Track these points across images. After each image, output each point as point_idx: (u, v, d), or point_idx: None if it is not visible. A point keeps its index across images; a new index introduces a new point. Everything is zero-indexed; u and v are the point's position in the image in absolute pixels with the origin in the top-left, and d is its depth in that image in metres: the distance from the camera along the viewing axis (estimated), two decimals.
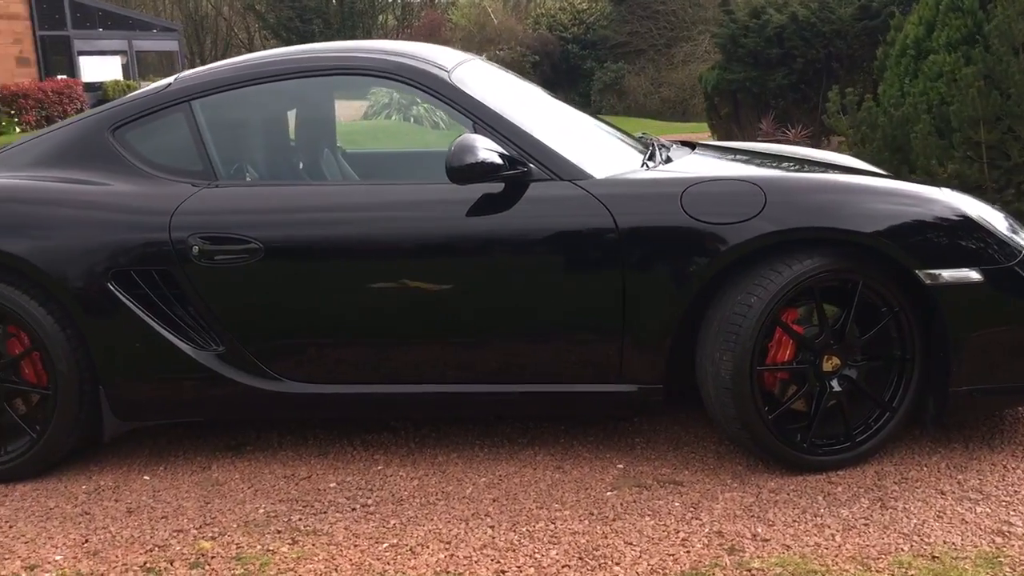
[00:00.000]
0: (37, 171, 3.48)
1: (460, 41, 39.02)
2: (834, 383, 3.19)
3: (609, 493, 3.12)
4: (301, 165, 3.60)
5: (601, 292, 3.17)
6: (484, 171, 3.08)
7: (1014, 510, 2.89)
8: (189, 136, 3.42)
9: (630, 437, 3.56)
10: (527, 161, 3.22)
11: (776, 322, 3.11)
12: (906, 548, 2.70)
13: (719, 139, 12.12)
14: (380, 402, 3.34)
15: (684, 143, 4.19)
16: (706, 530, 2.84)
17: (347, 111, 25.49)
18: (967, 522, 2.83)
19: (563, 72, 39.91)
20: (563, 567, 2.65)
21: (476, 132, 3.26)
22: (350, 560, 2.72)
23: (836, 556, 2.67)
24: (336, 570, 2.67)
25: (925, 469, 3.20)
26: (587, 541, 2.79)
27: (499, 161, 3.11)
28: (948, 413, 3.23)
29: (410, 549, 2.78)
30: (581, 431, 3.61)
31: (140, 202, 3.30)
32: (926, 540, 2.74)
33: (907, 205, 3.15)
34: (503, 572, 2.63)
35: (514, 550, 2.75)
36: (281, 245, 3.22)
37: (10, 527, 3.03)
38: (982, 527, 2.80)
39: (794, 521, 2.88)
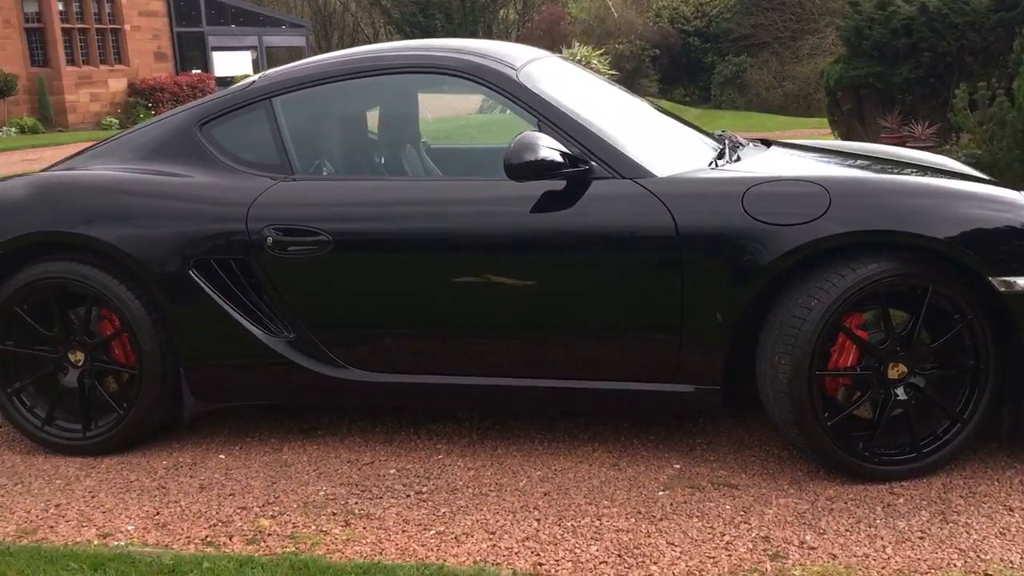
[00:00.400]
0: (132, 163, 3.68)
1: (579, 35, 39.01)
2: (899, 391, 3.11)
3: (661, 493, 3.12)
4: (378, 160, 3.70)
5: (659, 291, 3.16)
6: (542, 169, 3.11)
7: None
8: (269, 132, 3.57)
9: (691, 438, 3.55)
10: (589, 159, 3.24)
11: (838, 327, 3.05)
12: (959, 564, 2.62)
13: (840, 137, 11.78)
14: (440, 393, 3.42)
15: (762, 141, 4.12)
16: (753, 535, 2.82)
17: (464, 105, 25.81)
18: None
19: (683, 66, 39.42)
20: (601, 563, 2.67)
21: (541, 130, 3.30)
22: (396, 544, 2.81)
23: (883, 568, 2.61)
24: (381, 553, 2.76)
25: (996, 484, 3.09)
26: (630, 539, 2.80)
27: (558, 159, 3.13)
28: (1023, 427, 3.11)
29: (455, 537, 2.85)
30: (642, 430, 3.61)
31: (220, 194, 3.46)
32: (982, 556, 2.65)
33: (981, 209, 3.04)
34: (540, 564, 2.67)
35: (555, 544, 2.79)
36: (348, 238, 3.33)
37: (92, 497, 3.23)
38: None
39: (847, 530, 2.83)
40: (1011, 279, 2.97)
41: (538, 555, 2.73)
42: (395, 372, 3.42)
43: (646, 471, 3.29)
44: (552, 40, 36.66)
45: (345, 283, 3.37)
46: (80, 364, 3.58)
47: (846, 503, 3.00)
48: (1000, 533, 2.78)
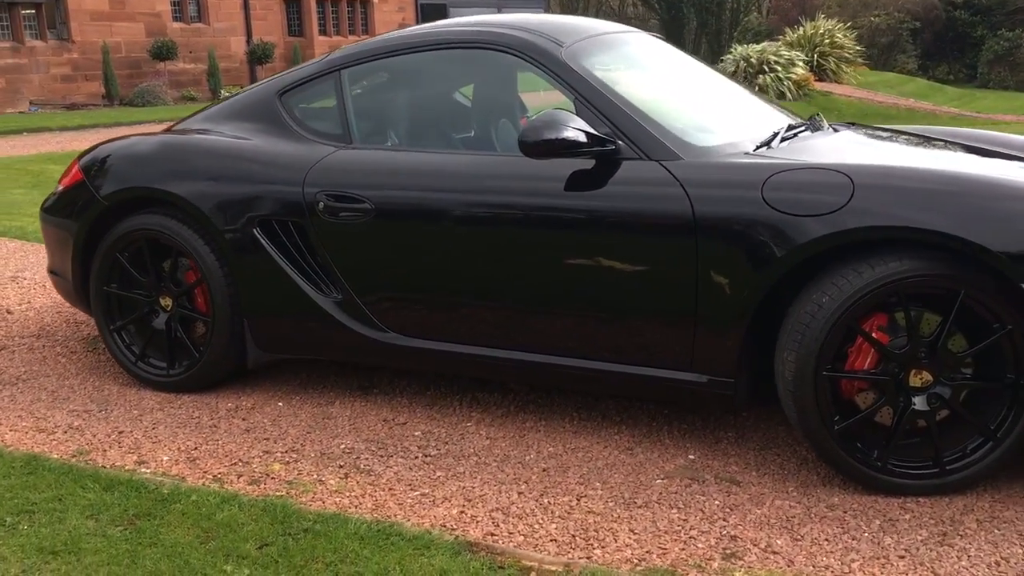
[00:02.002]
0: (225, 126, 4.00)
1: (832, 6, 37.13)
2: (919, 400, 2.90)
3: (658, 481, 3.09)
4: (428, 133, 3.81)
5: (676, 277, 3.10)
6: (561, 147, 3.11)
7: None
8: (336, 102, 3.78)
9: (721, 430, 3.46)
10: (616, 139, 3.21)
11: (851, 326, 2.88)
12: None
13: None
14: (469, 362, 3.52)
15: (850, 124, 3.89)
16: (722, 532, 2.74)
17: None
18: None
19: (947, 41, 36.75)
20: (550, 540, 2.70)
21: (576, 108, 3.31)
22: (375, 500, 2.96)
23: None
24: (357, 507, 2.91)
25: (1014, 509, 2.82)
26: (594, 521, 2.81)
27: (580, 138, 3.13)
28: None
29: (433, 500, 2.96)
30: (676, 417, 3.56)
31: (285, 160, 3.71)
32: None
33: (1013, 205, 2.76)
34: (492, 535, 2.73)
35: (520, 517, 2.83)
36: (387, 207, 3.49)
37: (152, 428, 3.59)
38: None
39: (825, 540, 2.69)
40: None
41: (497, 526, 2.79)
42: (428, 339, 3.55)
43: (657, 458, 3.25)
44: (802, 11, 35.19)
45: (384, 250, 3.54)
46: (168, 309, 3.96)
47: (844, 512, 2.85)
48: (995, 563, 2.56)
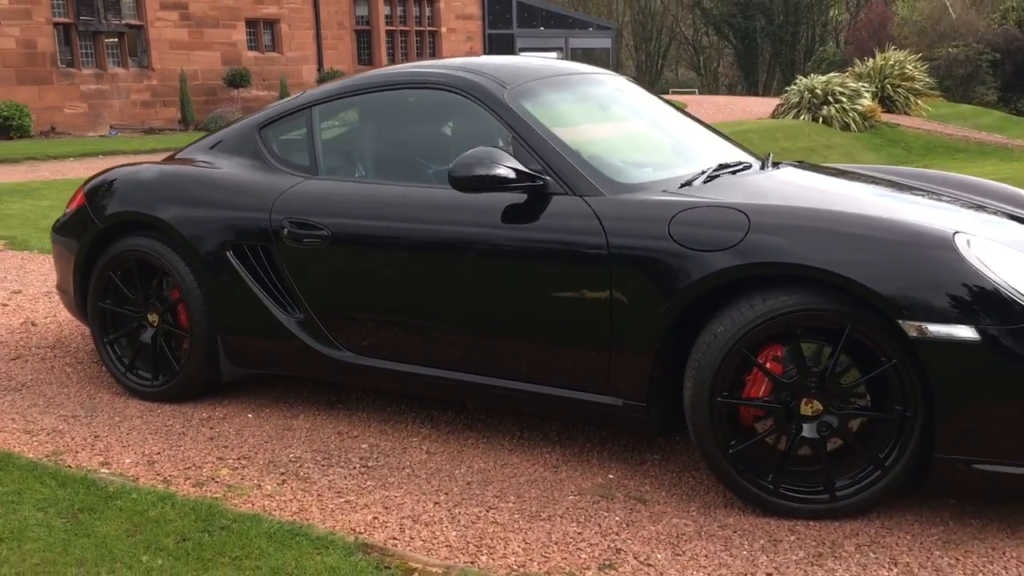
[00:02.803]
0: (211, 156, 4.34)
1: (909, 37, 36.61)
2: (808, 428, 3.05)
3: (571, 497, 3.28)
4: (383, 166, 4.08)
5: (594, 305, 3.30)
6: (489, 182, 3.34)
7: None
8: (306, 137, 4.08)
9: (647, 453, 3.63)
10: (546, 175, 3.43)
11: (744, 356, 3.05)
12: None
13: None
14: (412, 381, 3.76)
15: (802, 164, 4.06)
16: (609, 545, 2.92)
17: (759, 108, 25.41)
18: None
19: None
20: (444, 546, 2.91)
21: (514, 144, 3.55)
22: (300, 504, 3.21)
23: None
24: (281, 509, 3.17)
25: (910, 536, 2.95)
26: (493, 531, 3.02)
27: (506, 174, 3.35)
28: (935, 481, 2.94)
29: (353, 507, 3.20)
30: (610, 439, 3.74)
31: (257, 189, 4.02)
32: None
33: (899, 246, 2.91)
34: (393, 539, 2.96)
35: (427, 525, 3.06)
36: (341, 234, 3.77)
37: (127, 434, 3.91)
38: None
39: (704, 556, 2.86)
40: (922, 324, 2.83)
41: (402, 532, 3.01)
42: (376, 358, 3.81)
43: (578, 476, 3.44)
44: (877, 42, 34.80)
45: (339, 275, 3.82)
46: (155, 324, 4.29)
47: (733, 532, 3.01)
48: None
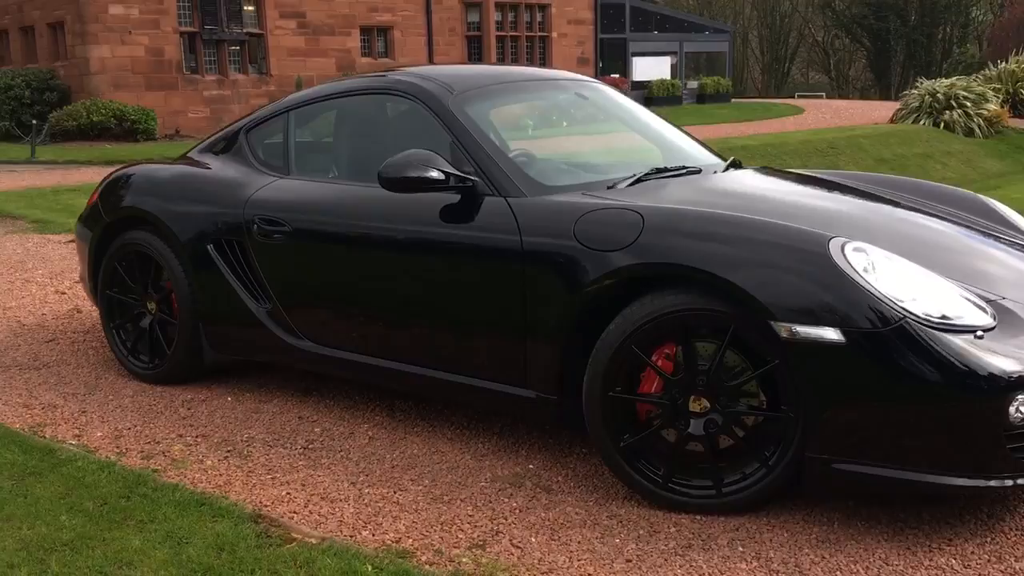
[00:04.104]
0: (207, 156, 4.68)
1: None
2: (694, 424, 3.12)
3: (482, 484, 3.43)
4: (342, 166, 4.31)
5: (512, 301, 3.45)
6: (414, 183, 3.53)
7: None
8: (282, 139, 4.36)
9: (576, 446, 3.74)
10: (477, 177, 3.60)
11: (634, 352, 3.14)
12: None
13: None
14: (360, 370, 3.98)
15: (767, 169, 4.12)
16: (491, 528, 3.06)
17: (879, 113, 24.76)
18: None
19: None
20: (338, 521, 3.12)
21: (451, 146, 3.72)
22: (227, 478, 3.47)
23: (523, 568, 2.77)
24: (207, 482, 3.43)
25: (786, 535, 2.98)
26: (389, 509, 3.20)
27: (434, 176, 3.53)
28: (808, 480, 2.97)
29: (274, 483, 3.43)
30: (546, 433, 3.87)
31: (235, 187, 4.32)
32: None
33: (775, 250, 2.96)
34: (294, 513, 3.17)
35: (332, 501, 3.26)
36: (300, 230, 4.02)
37: (111, 411, 4.25)
38: None
39: (577, 542, 2.97)
40: (792, 326, 2.87)
41: (305, 507, 3.23)
42: (330, 346, 4.05)
43: (500, 465, 3.59)
44: (1019, 43, 33.18)
45: (297, 268, 4.07)
46: (152, 312, 4.65)
47: (617, 522, 3.10)
48: (709, 574, 2.76)
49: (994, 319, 2.91)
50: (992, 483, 2.85)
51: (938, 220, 3.72)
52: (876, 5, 43.88)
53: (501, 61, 27.04)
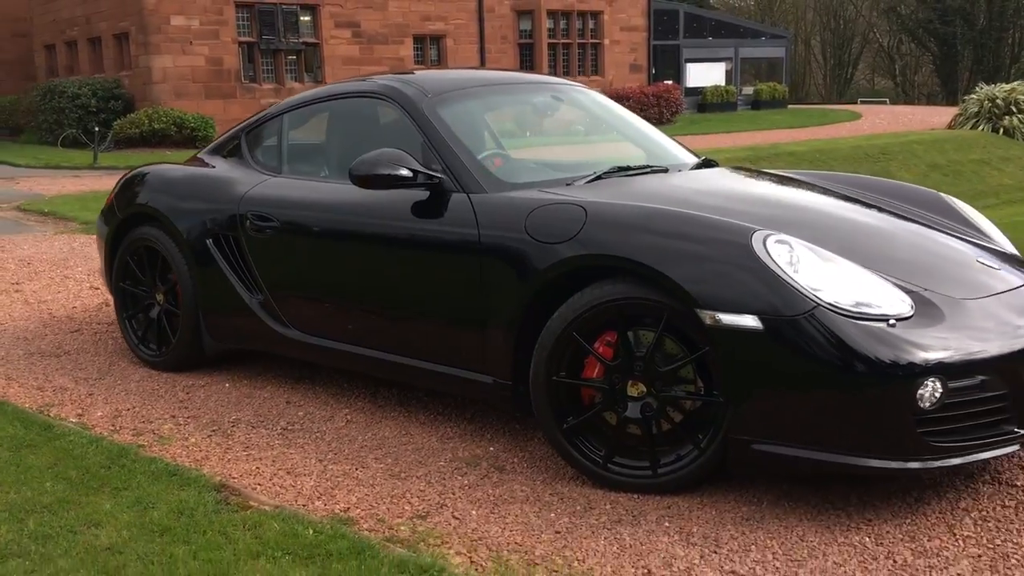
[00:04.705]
0: (212, 156, 4.97)
1: None
2: (632, 408, 3.27)
3: (441, 463, 3.63)
4: (329, 165, 4.55)
5: (470, 292, 3.65)
6: (383, 180, 3.75)
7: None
8: (276, 140, 4.63)
9: (537, 431, 3.91)
10: (443, 175, 3.80)
11: (576, 339, 3.31)
12: (516, 549, 2.87)
13: None
14: (339, 356, 4.22)
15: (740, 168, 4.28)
16: (437, 501, 3.26)
17: (938, 119, 24.52)
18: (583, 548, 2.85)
19: None
20: (296, 492, 3.34)
21: (422, 146, 3.94)
22: (204, 453, 3.72)
23: (455, 536, 2.96)
24: (185, 456, 3.69)
25: (714, 513, 3.13)
26: (346, 484, 3.42)
27: (402, 173, 3.74)
28: (732, 462, 3.12)
29: (248, 459, 3.68)
30: (514, 418, 4.05)
31: (231, 185, 4.59)
32: (574, 553, 2.86)
33: (700, 241, 3.12)
34: (258, 484, 3.41)
35: (294, 475, 3.49)
36: (286, 225, 4.27)
37: (116, 395, 4.54)
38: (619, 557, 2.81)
39: (513, 516, 3.15)
40: (715, 313, 3.02)
41: (270, 480, 3.47)
42: (314, 335, 4.29)
43: (463, 447, 3.78)
44: None
45: (284, 260, 4.33)
46: (160, 303, 4.95)
47: (559, 498, 3.28)
48: (627, 547, 2.92)
49: (911, 309, 3.03)
50: (911, 465, 2.97)
51: (888, 216, 3.82)
52: (942, 9, 43.09)
53: (553, 68, 27.25)
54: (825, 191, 4.10)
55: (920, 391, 2.87)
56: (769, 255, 3.02)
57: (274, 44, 23.32)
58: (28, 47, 27.86)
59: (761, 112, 30.32)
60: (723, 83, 30.30)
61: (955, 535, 2.94)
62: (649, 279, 3.17)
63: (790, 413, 2.98)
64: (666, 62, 29.69)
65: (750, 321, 2.97)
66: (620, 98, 26.87)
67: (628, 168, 4.03)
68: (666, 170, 4.15)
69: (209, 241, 4.60)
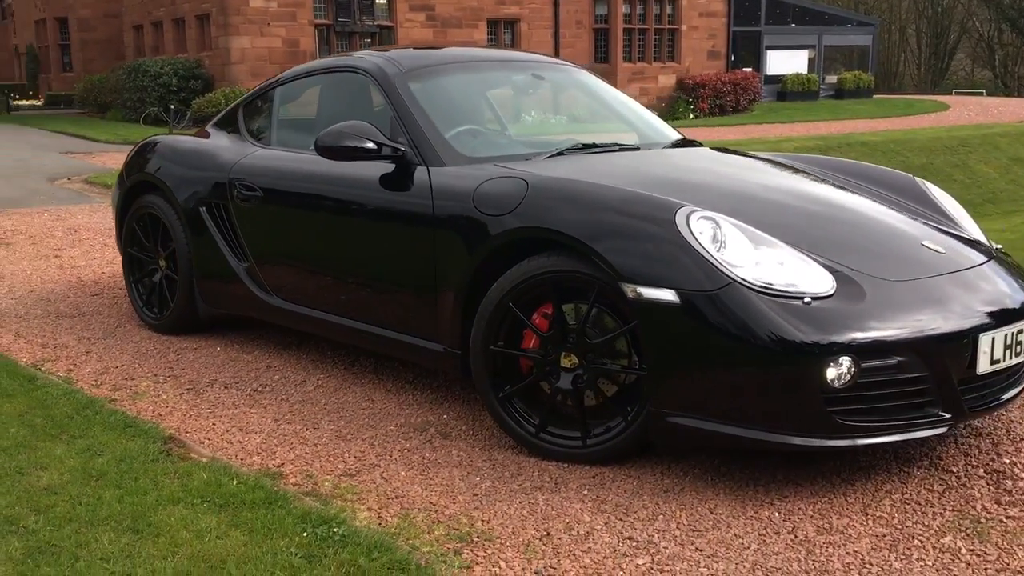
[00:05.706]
0: (212, 129, 5.14)
1: None
2: (565, 379, 3.31)
3: (390, 428, 3.72)
4: (310, 138, 4.65)
5: (425, 262, 3.73)
6: (346, 152, 3.84)
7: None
8: (268, 113, 4.77)
9: None
10: (407, 148, 3.88)
11: (511, 310, 3.36)
12: (451, 509, 2.94)
13: None
14: (312, 323, 4.34)
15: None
16: (371, 462, 3.36)
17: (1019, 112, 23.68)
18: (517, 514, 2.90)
19: None
20: (240, 448, 3.48)
21: (391, 119, 4.03)
22: (169, 408, 3.90)
23: (375, 494, 3.04)
24: (149, 411, 3.86)
25: (635, 483, 3.16)
26: (290, 443, 3.54)
27: (365, 145, 3.83)
28: (651, 434, 3.14)
29: (210, 416, 3.83)
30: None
31: (224, 155, 4.75)
32: (449, 501, 2.93)
33: (627, 215, 3.14)
34: (207, 440, 3.55)
35: (248, 433, 3.63)
36: (268, 194, 4.41)
37: (111, 354, 4.75)
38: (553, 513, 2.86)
39: (440, 478, 3.22)
40: (636, 287, 3.04)
41: (220, 436, 3.61)
42: (292, 302, 4.42)
43: (417, 414, 3.87)
44: None
45: (266, 229, 4.47)
46: (163, 269, 5.15)
47: (491, 465, 3.34)
48: (533, 512, 2.96)
49: (832, 288, 2.99)
50: (830, 443, 2.95)
51: (845, 198, 3.76)
52: None
53: (627, 54, 27.06)
54: (793, 173, 4.05)
55: (830, 369, 2.85)
56: (691, 231, 3.03)
57: (349, 26, 23.68)
58: (119, 27, 28.84)
59: (844, 102, 29.62)
60: (805, 71, 29.67)
61: (867, 515, 2.91)
62: (580, 252, 3.20)
63: (707, 387, 2.99)
64: (746, 49, 29.21)
65: (668, 295, 2.98)
66: (697, 86, 26.56)
67: (595, 146, 4.05)
68: (637, 148, 4.16)
69: (203, 210, 4.77)
